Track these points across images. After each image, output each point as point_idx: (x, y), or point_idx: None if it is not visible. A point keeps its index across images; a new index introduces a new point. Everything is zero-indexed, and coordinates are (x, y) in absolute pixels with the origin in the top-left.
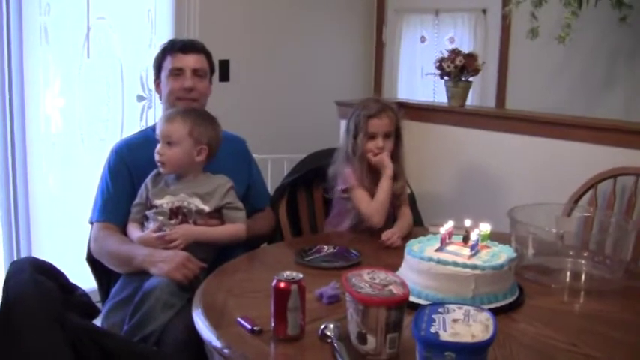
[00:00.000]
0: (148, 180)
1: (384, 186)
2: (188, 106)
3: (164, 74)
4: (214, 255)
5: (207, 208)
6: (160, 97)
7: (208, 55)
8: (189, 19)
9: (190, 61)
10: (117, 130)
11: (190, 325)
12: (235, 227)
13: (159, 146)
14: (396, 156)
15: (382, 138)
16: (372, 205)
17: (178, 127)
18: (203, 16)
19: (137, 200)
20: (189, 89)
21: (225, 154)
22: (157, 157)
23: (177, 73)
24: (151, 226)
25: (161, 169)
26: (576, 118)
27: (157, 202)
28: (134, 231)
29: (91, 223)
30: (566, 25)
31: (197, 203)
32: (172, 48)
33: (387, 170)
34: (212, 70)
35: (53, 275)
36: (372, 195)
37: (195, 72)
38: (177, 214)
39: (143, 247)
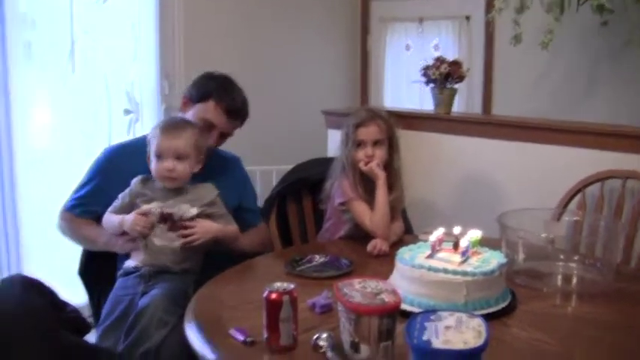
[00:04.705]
0: (134, 185)
1: (380, 196)
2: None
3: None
4: (201, 266)
5: (195, 211)
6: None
7: None
8: (173, 32)
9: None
10: (104, 145)
11: (186, 341)
12: (234, 227)
13: (167, 161)
14: (390, 166)
15: (371, 146)
16: (374, 220)
17: (186, 140)
18: (188, 29)
19: (118, 202)
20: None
21: (219, 173)
22: (164, 173)
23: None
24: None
25: (168, 184)
26: (562, 122)
27: (146, 207)
28: (112, 216)
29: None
30: (549, 30)
31: (185, 209)
32: (224, 105)
33: (379, 179)
34: None
35: (43, 292)
36: (369, 204)
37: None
38: (166, 219)
39: (105, 233)
